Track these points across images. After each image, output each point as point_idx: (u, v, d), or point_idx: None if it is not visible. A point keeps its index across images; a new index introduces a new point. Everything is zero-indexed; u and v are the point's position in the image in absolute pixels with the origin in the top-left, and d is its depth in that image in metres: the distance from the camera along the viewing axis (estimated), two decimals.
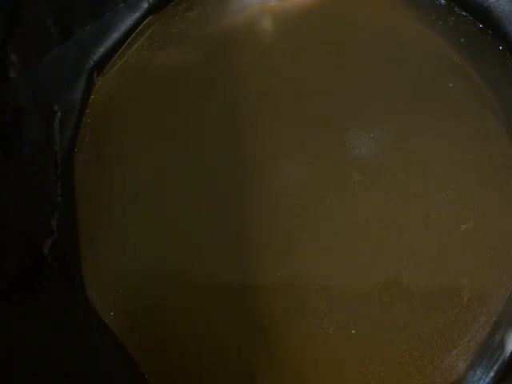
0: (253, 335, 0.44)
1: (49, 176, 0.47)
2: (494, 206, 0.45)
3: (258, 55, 0.53)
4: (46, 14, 0.48)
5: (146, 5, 0.55)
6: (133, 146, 0.51)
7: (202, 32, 0.55)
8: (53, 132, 0.48)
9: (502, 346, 0.41)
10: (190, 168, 0.50)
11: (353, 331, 0.43)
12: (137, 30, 0.55)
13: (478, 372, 0.41)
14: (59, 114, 0.49)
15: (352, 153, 0.48)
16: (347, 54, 0.52)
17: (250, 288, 0.45)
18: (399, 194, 0.46)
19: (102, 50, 0.53)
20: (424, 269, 0.44)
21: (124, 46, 0.55)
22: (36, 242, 0.44)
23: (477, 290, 0.43)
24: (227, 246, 0.47)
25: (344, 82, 0.51)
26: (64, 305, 0.44)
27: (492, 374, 0.41)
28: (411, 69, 0.51)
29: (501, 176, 0.46)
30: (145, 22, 0.56)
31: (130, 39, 0.55)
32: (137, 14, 0.55)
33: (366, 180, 0.47)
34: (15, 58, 0.45)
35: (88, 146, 0.51)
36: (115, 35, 0.54)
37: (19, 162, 0.44)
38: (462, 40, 0.52)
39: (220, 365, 0.44)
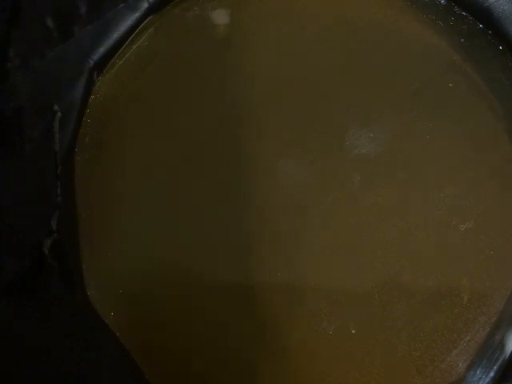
0: (253, 335, 0.44)
1: (49, 176, 0.47)
2: (494, 206, 0.45)
3: (257, 55, 0.53)
4: (46, 14, 0.48)
5: (146, 5, 0.55)
6: (133, 146, 0.51)
7: (202, 32, 0.55)
8: (53, 132, 0.48)
9: (501, 346, 0.41)
10: (190, 168, 0.50)
11: (353, 331, 0.43)
12: (137, 30, 0.55)
13: (478, 372, 0.41)
14: (59, 114, 0.49)
15: (352, 153, 0.48)
16: (347, 53, 0.52)
17: (250, 288, 0.45)
18: (399, 194, 0.46)
19: (102, 49, 0.53)
20: (424, 269, 0.44)
21: (124, 46, 0.55)
22: (36, 242, 0.44)
23: (477, 290, 0.43)
24: (227, 245, 0.47)
25: (344, 82, 0.51)
26: (64, 305, 0.44)
27: (492, 374, 0.41)
28: (411, 69, 0.51)
29: (501, 176, 0.46)
30: (145, 22, 0.56)
31: (130, 39, 0.55)
32: (137, 14, 0.55)
33: (366, 180, 0.47)
34: (15, 58, 0.44)
35: (88, 145, 0.51)
36: (115, 35, 0.54)
37: (19, 162, 0.44)
38: (462, 40, 0.52)
39: (220, 365, 0.44)
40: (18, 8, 0.45)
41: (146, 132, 0.52)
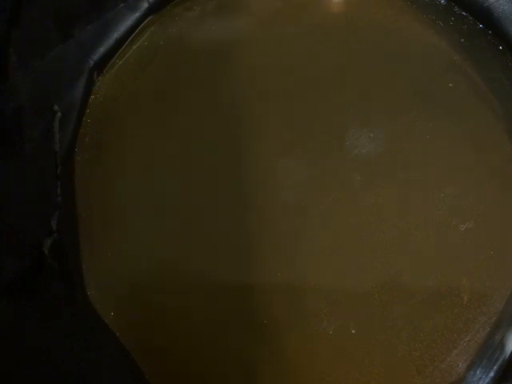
0: (253, 335, 0.44)
1: (49, 176, 0.47)
2: (494, 206, 0.45)
3: (257, 55, 0.53)
4: (46, 14, 0.48)
5: (146, 5, 0.55)
6: (133, 146, 0.51)
7: (202, 32, 0.55)
8: (53, 132, 0.48)
9: (501, 346, 0.41)
10: (190, 168, 0.50)
11: (353, 331, 0.43)
12: (137, 30, 0.55)
13: (478, 372, 0.41)
14: (59, 114, 0.49)
15: (352, 153, 0.48)
16: (347, 53, 0.52)
17: (250, 288, 0.45)
18: (399, 194, 0.46)
19: (102, 49, 0.53)
20: (424, 269, 0.44)
21: (124, 46, 0.55)
22: (36, 242, 0.44)
23: (477, 290, 0.43)
24: (227, 246, 0.47)
25: (344, 82, 0.51)
26: (64, 305, 0.44)
27: (492, 374, 0.41)
28: (411, 69, 0.51)
29: (501, 176, 0.46)
30: (145, 22, 0.56)
31: (130, 39, 0.55)
32: (137, 14, 0.55)
33: (366, 180, 0.47)
34: (15, 58, 0.44)
35: (88, 145, 0.51)
36: (115, 35, 0.54)
37: (19, 162, 0.44)
38: (462, 40, 0.52)
39: (220, 365, 0.44)
40: (18, 8, 0.45)
41: (145, 132, 0.52)
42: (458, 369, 0.42)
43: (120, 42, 0.54)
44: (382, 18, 0.53)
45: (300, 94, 0.51)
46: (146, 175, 0.50)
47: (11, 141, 0.44)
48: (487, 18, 0.51)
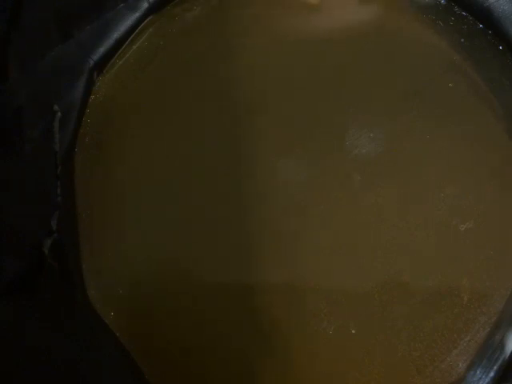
0: (253, 335, 0.44)
1: (49, 176, 0.47)
2: (494, 206, 0.45)
3: (257, 55, 0.53)
4: (46, 14, 0.48)
5: (146, 5, 0.55)
6: (133, 146, 0.51)
7: (202, 32, 0.55)
8: (53, 132, 0.48)
9: (501, 346, 0.41)
10: (189, 168, 0.50)
11: (353, 331, 0.43)
12: (137, 30, 0.55)
13: (478, 372, 0.41)
14: (59, 114, 0.49)
15: (352, 153, 0.48)
16: (347, 53, 0.52)
17: (250, 288, 0.45)
18: (399, 194, 0.46)
19: (102, 49, 0.53)
20: (424, 269, 0.44)
21: (124, 46, 0.55)
22: (36, 241, 0.44)
23: (477, 290, 0.43)
24: (227, 245, 0.47)
25: (344, 82, 0.51)
26: (64, 305, 0.44)
27: (492, 374, 0.41)
28: (411, 69, 0.51)
29: (501, 176, 0.46)
30: (145, 22, 0.56)
31: (130, 39, 0.55)
32: (137, 14, 0.55)
33: (366, 180, 0.47)
34: (15, 58, 0.44)
35: (88, 145, 0.51)
36: (115, 35, 0.54)
37: (19, 162, 0.44)
38: (462, 40, 0.52)
39: (220, 365, 0.44)
40: (18, 8, 0.45)
41: (145, 132, 0.52)
42: (458, 369, 0.42)
43: (120, 42, 0.54)
44: (382, 17, 0.53)
45: (300, 94, 0.51)
46: (145, 175, 0.50)
47: (11, 141, 0.44)
48: (487, 18, 0.51)
